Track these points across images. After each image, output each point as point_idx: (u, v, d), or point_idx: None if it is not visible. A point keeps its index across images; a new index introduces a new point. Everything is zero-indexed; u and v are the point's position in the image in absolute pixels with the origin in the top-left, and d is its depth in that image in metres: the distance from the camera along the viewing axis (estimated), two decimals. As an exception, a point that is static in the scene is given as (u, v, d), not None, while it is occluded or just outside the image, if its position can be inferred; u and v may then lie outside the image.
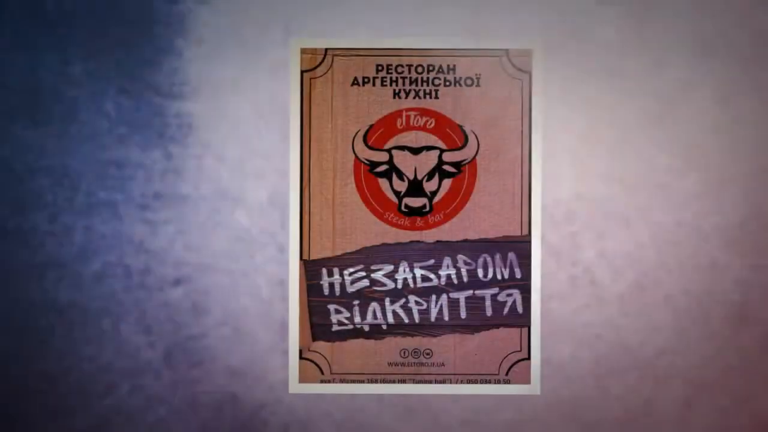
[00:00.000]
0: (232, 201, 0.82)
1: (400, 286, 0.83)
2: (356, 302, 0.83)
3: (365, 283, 0.83)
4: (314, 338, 0.83)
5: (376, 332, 0.83)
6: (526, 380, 0.83)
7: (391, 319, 0.83)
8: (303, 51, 0.81)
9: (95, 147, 0.82)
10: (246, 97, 0.82)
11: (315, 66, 0.82)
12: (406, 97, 0.82)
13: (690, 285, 0.82)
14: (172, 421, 0.83)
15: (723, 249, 0.82)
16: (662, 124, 0.82)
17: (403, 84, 0.82)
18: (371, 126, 0.83)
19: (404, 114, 0.83)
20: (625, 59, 0.82)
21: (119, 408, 0.83)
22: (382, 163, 0.83)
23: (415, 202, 0.83)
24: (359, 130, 0.83)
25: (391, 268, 0.83)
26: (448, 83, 0.82)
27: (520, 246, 0.82)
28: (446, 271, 0.83)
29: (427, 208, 0.83)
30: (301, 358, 0.83)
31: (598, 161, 0.82)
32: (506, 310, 0.83)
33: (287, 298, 0.82)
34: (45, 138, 0.82)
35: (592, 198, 0.82)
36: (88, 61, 0.82)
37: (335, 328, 0.83)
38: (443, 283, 0.83)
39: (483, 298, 0.83)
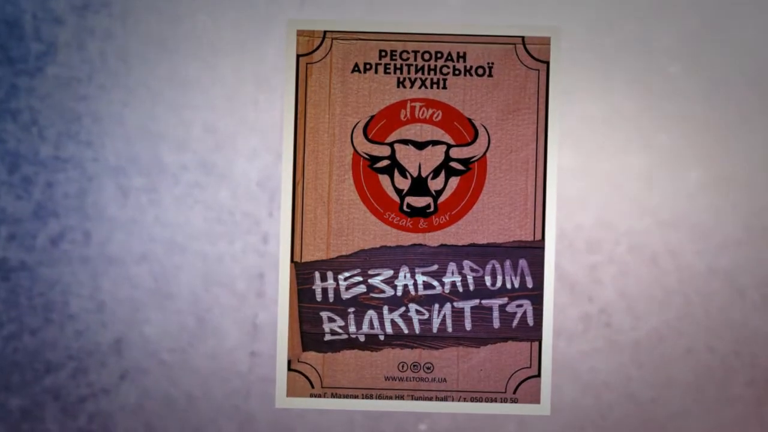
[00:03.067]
0: (217, 177, 0.78)
1: (399, 293, 0.80)
2: (351, 310, 0.80)
3: (362, 289, 0.80)
4: (304, 348, 0.80)
5: (372, 343, 0.80)
6: (536, 399, 0.80)
7: (389, 329, 0.80)
8: (299, 33, 0.79)
9: (71, 94, 0.78)
10: (247, 65, 0.79)
11: (312, 50, 0.79)
12: (411, 87, 0.79)
13: (716, 342, 0.79)
14: (115, 415, 0.79)
15: (758, 306, 0.79)
16: (707, 155, 0.79)
17: (408, 72, 0.79)
18: (372, 117, 0.80)
19: (409, 105, 0.80)
20: (660, 63, 0.79)
21: (58, 392, 0.79)
22: (383, 158, 0.80)
23: (419, 201, 0.80)
24: (359, 122, 0.80)
25: (390, 273, 0.80)
26: (457, 72, 0.79)
27: (533, 252, 0.79)
28: (451, 277, 0.80)
29: (432, 209, 0.80)
30: (289, 369, 0.80)
31: (626, 183, 0.79)
32: (515, 322, 0.80)
33: (264, 294, 0.79)
34: (17, 77, 0.78)
35: (618, 227, 0.79)
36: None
37: (328, 337, 0.80)
38: (447, 291, 0.80)
39: (490, 309, 0.80)
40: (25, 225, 0.78)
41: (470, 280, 0.79)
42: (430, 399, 0.80)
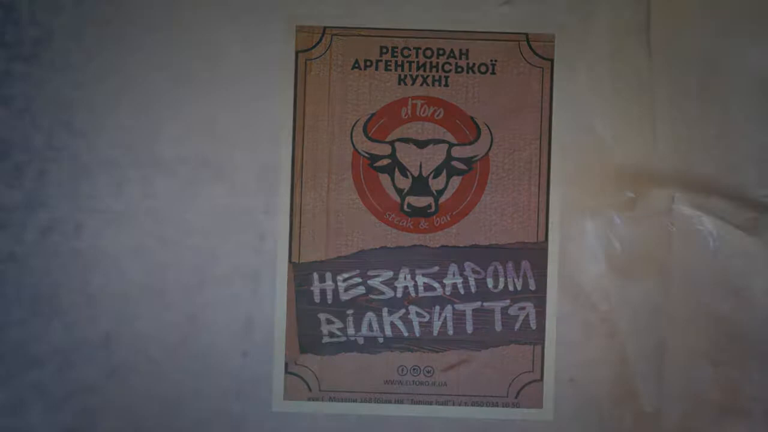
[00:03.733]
0: (214, 172, 0.77)
1: (399, 295, 0.79)
2: (350, 312, 0.79)
3: (361, 290, 0.79)
4: (302, 351, 0.79)
5: (371, 346, 0.79)
6: (538, 404, 0.79)
7: (388, 332, 0.79)
8: (299, 29, 0.78)
9: (66, 82, 0.77)
10: (245, 60, 0.78)
11: (311, 46, 0.78)
12: (413, 84, 0.79)
13: (721, 354, 0.77)
14: (101, 413, 0.78)
15: (766, 318, 0.77)
16: (712, 157, 0.77)
17: (410, 69, 0.79)
18: (373, 115, 0.79)
19: (410, 103, 0.79)
20: (666, 63, 0.78)
21: (43, 387, 0.78)
22: (383, 157, 0.79)
23: (420, 201, 0.79)
24: (359, 119, 0.79)
25: (390, 274, 0.79)
26: (459, 70, 0.78)
27: (536, 254, 0.78)
28: (452, 279, 0.79)
29: (433, 209, 0.79)
30: (286, 372, 0.79)
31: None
32: (518, 325, 0.79)
33: (259, 293, 0.78)
34: (11, 62, 0.77)
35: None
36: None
37: (326, 340, 0.79)
38: (448, 292, 0.79)
39: (492, 311, 0.79)
40: (15, 214, 0.77)
41: (472, 281, 0.78)
42: (430, 403, 0.79)
